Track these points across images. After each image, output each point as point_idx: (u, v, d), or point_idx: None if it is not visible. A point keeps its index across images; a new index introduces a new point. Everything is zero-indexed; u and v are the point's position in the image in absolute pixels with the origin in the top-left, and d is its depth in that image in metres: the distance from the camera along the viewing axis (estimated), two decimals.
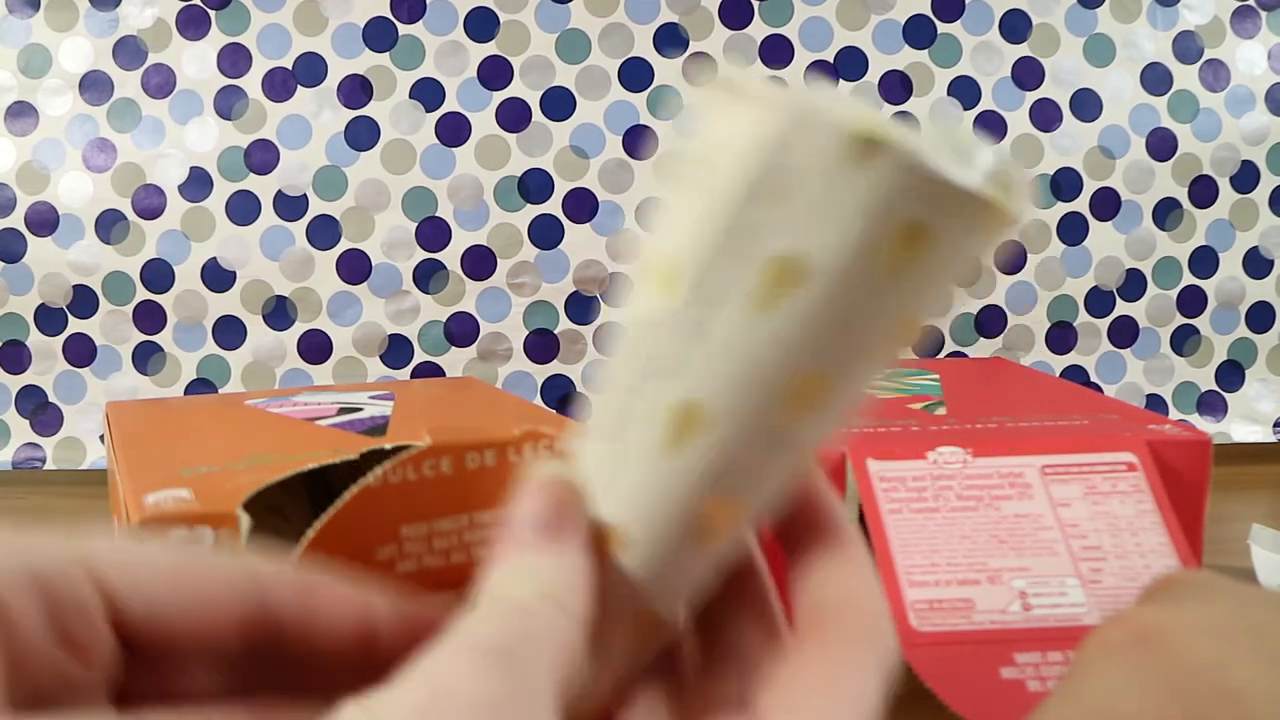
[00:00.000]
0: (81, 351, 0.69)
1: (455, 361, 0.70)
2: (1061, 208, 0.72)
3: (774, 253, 0.17)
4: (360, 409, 0.49)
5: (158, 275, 0.68)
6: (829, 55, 0.70)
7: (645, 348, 0.19)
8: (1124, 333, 0.73)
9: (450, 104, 0.69)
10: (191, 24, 0.67)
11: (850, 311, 0.17)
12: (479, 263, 0.70)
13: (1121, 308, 0.73)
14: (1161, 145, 0.72)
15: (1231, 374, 0.74)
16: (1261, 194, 0.72)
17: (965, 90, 0.71)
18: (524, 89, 0.69)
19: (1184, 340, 0.74)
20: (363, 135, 0.68)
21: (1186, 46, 0.71)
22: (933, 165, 0.16)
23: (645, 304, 0.19)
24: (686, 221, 0.18)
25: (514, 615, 0.17)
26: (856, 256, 0.17)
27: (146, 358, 0.69)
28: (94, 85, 0.67)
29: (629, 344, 0.19)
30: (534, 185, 0.69)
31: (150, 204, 0.68)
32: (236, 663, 0.20)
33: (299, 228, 0.68)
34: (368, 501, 0.29)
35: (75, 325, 0.68)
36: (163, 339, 0.69)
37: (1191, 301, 0.73)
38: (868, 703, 0.17)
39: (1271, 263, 0.73)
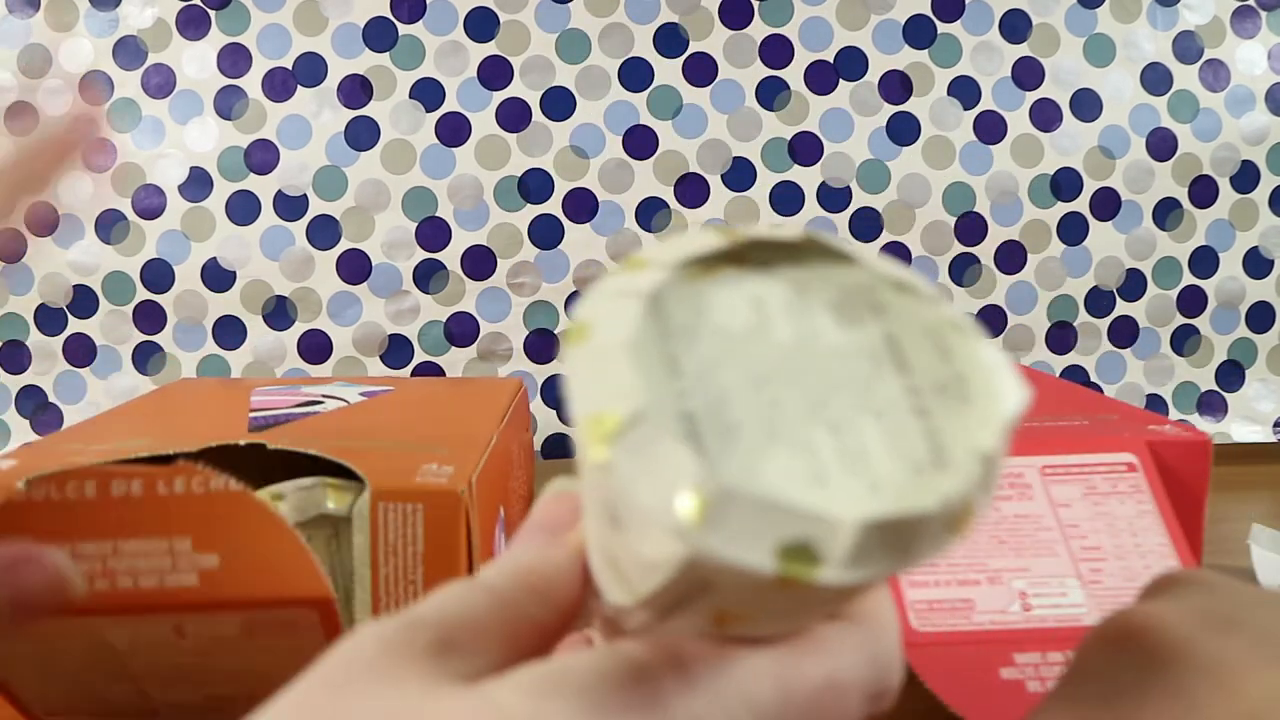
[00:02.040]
0: (81, 351, 0.69)
1: (455, 361, 0.70)
2: (1061, 208, 0.72)
3: (713, 608, 0.17)
4: (321, 403, 0.50)
5: (158, 275, 0.68)
6: (829, 55, 0.70)
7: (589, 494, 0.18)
8: (1124, 333, 0.73)
9: (450, 104, 0.69)
10: (191, 24, 0.68)
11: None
12: (479, 263, 0.70)
13: (1121, 308, 0.73)
14: (1161, 145, 0.72)
15: (1231, 374, 0.74)
16: (1261, 194, 0.72)
17: (965, 90, 0.71)
18: (524, 89, 0.69)
19: (1184, 340, 0.74)
20: (363, 135, 0.68)
21: (1186, 46, 0.71)
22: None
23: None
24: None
25: (464, 592, 0.18)
26: (794, 620, 0.17)
27: (146, 358, 0.69)
28: (94, 85, 0.67)
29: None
30: (534, 185, 0.69)
31: (150, 204, 0.68)
32: None
33: (299, 228, 0.68)
34: (12, 515, 0.28)
35: (75, 325, 0.68)
36: (163, 339, 0.69)
37: (1191, 301, 0.73)
38: (839, 651, 0.17)
39: (1271, 263, 0.73)
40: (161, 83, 0.68)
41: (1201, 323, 0.74)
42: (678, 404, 0.15)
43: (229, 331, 0.69)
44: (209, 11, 0.68)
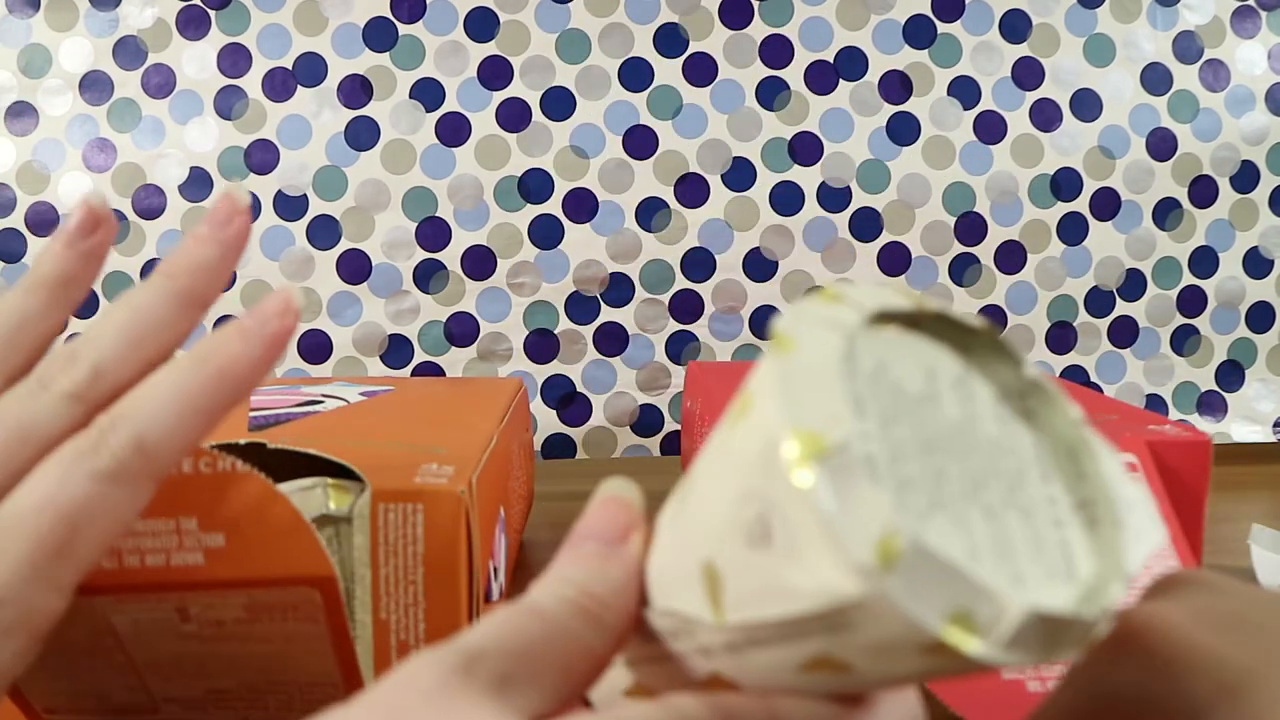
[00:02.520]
0: None
1: (455, 361, 0.70)
2: (1061, 208, 0.72)
3: (820, 651, 0.16)
4: (321, 403, 0.50)
5: None
6: (829, 55, 0.70)
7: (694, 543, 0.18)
8: (1124, 333, 0.73)
9: (450, 104, 0.69)
10: (191, 24, 0.68)
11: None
12: (479, 263, 0.70)
13: (1121, 308, 0.73)
14: (1161, 145, 0.72)
15: (1231, 374, 0.74)
16: (1261, 194, 0.72)
17: (965, 90, 0.71)
18: (524, 89, 0.69)
19: (1184, 340, 0.74)
20: (363, 135, 0.68)
21: (1186, 46, 0.71)
22: (990, 659, 0.15)
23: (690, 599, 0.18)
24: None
25: (519, 618, 0.18)
26: (889, 679, 0.17)
27: None
28: (94, 85, 0.67)
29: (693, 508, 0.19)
30: (534, 185, 0.69)
31: (150, 204, 0.68)
32: None
33: (299, 228, 0.69)
34: None
35: (75, 325, 0.68)
36: None
37: (1191, 301, 0.73)
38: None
39: (1271, 263, 0.73)
40: (161, 83, 0.68)
41: (1201, 323, 0.74)
42: (863, 444, 0.15)
43: None
44: (209, 11, 0.68)
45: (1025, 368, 0.18)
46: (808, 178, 0.71)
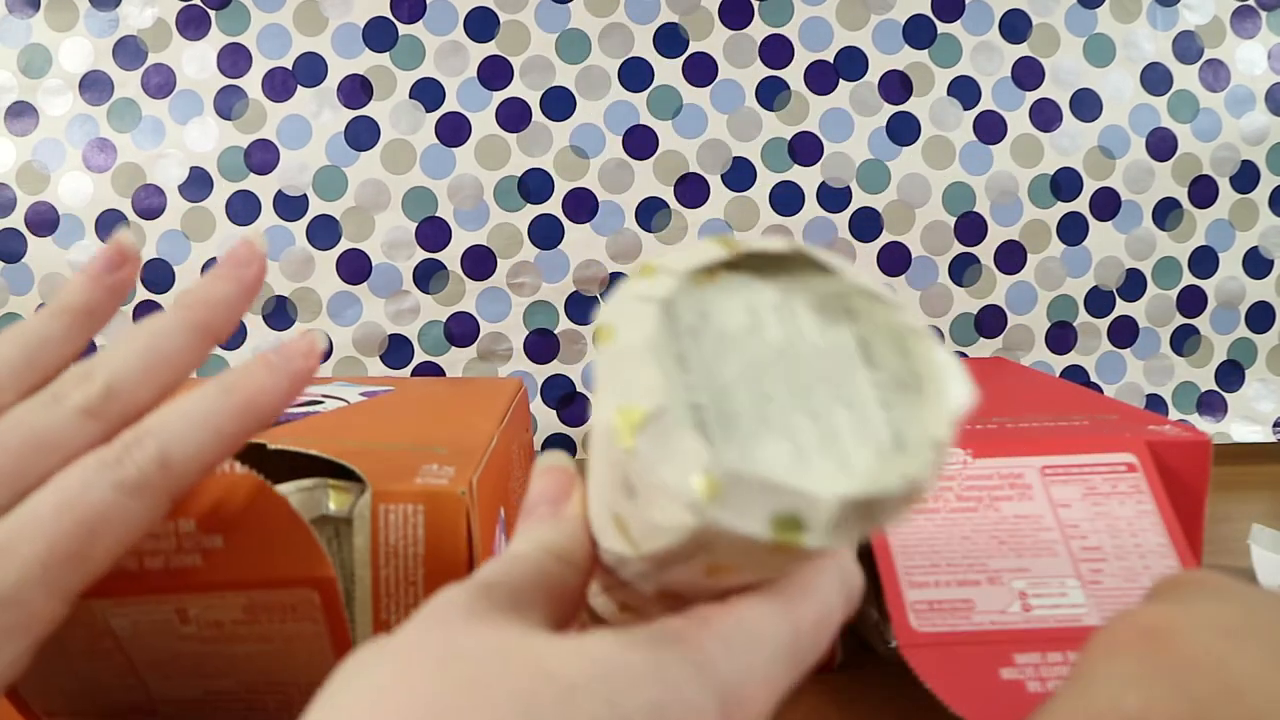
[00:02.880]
0: (82, 351, 0.68)
1: (455, 361, 0.70)
2: (1061, 208, 0.72)
3: (709, 562, 0.20)
4: (321, 403, 0.50)
5: (158, 275, 0.68)
6: (829, 55, 0.70)
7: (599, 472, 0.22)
8: (1124, 333, 0.73)
9: (450, 104, 0.69)
10: (191, 24, 0.68)
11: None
12: (479, 263, 0.70)
13: (1121, 308, 0.73)
14: (1161, 145, 0.72)
15: (1231, 374, 0.74)
16: (1261, 194, 0.72)
17: (965, 90, 0.71)
18: (524, 89, 0.69)
19: (1184, 340, 0.74)
20: (363, 135, 0.68)
21: (1186, 46, 0.71)
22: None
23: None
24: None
25: (510, 561, 0.22)
26: (775, 572, 0.21)
27: None
28: (94, 85, 0.67)
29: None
30: (534, 185, 0.69)
31: (150, 204, 0.68)
32: None
33: (299, 228, 0.69)
34: None
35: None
36: None
37: (1191, 301, 0.73)
38: (825, 591, 0.21)
39: (1271, 263, 0.73)
40: (161, 83, 0.68)
41: (1201, 323, 0.74)
42: (688, 396, 0.18)
43: None
44: (209, 11, 0.68)
45: (842, 274, 0.20)
46: (808, 178, 0.71)
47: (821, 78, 0.70)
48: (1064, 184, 0.72)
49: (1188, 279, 0.73)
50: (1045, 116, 0.71)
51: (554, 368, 0.71)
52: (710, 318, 0.20)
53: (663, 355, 0.19)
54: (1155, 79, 0.72)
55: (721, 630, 0.19)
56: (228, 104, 0.68)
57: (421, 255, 0.69)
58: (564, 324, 0.71)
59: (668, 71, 0.70)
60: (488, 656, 0.18)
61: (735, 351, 0.19)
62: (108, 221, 0.67)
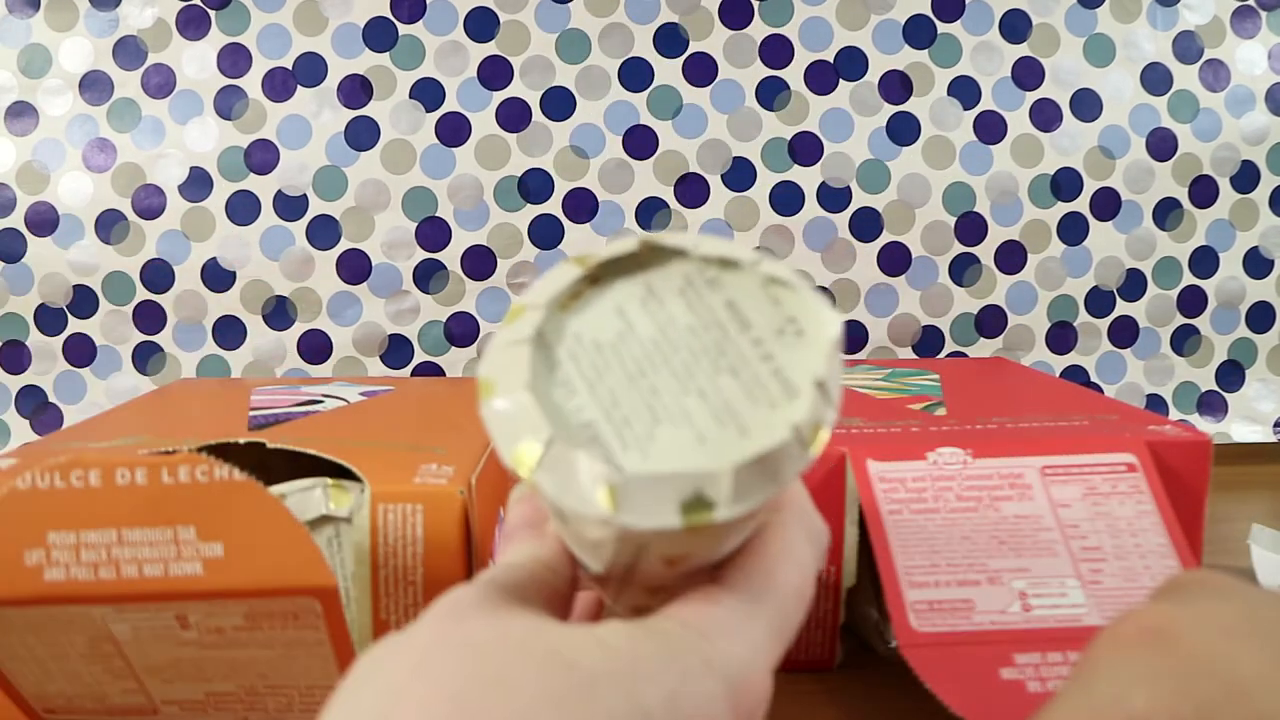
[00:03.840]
0: (81, 351, 0.69)
1: (455, 361, 0.70)
2: (1061, 208, 0.72)
3: (659, 556, 0.21)
4: (321, 403, 0.50)
5: (158, 275, 0.68)
6: (829, 55, 0.70)
7: None
8: (1124, 333, 0.73)
9: (450, 104, 0.69)
10: (191, 24, 0.68)
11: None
12: (479, 263, 0.70)
13: (1121, 308, 0.73)
14: (1161, 145, 0.72)
15: (1231, 374, 0.74)
16: (1261, 194, 0.72)
17: (965, 90, 0.71)
18: (524, 89, 0.69)
19: (1184, 340, 0.74)
20: (363, 135, 0.68)
21: (1186, 46, 0.71)
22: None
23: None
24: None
25: (507, 568, 0.23)
26: (724, 549, 0.21)
27: (146, 358, 0.69)
28: (94, 85, 0.67)
29: None
30: (534, 185, 0.69)
31: (150, 204, 0.68)
32: None
33: (299, 228, 0.68)
34: (17, 504, 0.29)
35: (75, 325, 0.68)
36: (163, 339, 0.69)
37: (1191, 301, 0.73)
38: (798, 553, 0.22)
39: (1271, 263, 0.73)
40: (161, 83, 0.68)
41: (1201, 323, 0.74)
42: (577, 418, 0.19)
43: (229, 331, 0.69)
44: (209, 11, 0.68)
45: (695, 250, 0.21)
46: (808, 178, 0.71)
47: (821, 78, 0.70)
48: (1064, 184, 0.72)
49: (1188, 279, 0.73)
50: (1045, 116, 0.71)
51: None
52: (583, 336, 0.20)
53: (543, 389, 0.19)
54: (1155, 79, 0.72)
55: (719, 617, 0.20)
56: (228, 104, 0.68)
57: (421, 255, 0.69)
58: None
59: (668, 71, 0.70)
60: (507, 647, 0.18)
61: (614, 359, 0.20)
62: (108, 221, 0.67)
